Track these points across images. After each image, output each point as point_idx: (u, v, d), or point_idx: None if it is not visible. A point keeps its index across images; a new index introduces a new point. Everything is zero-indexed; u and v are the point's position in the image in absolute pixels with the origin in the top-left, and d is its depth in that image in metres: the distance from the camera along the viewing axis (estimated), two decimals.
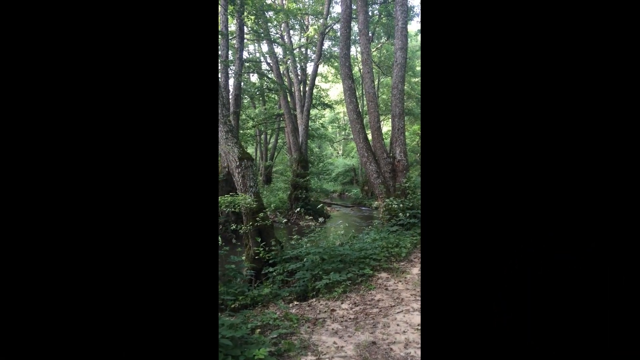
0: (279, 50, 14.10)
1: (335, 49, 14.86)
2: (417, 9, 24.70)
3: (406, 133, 21.77)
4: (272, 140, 19.81)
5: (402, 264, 4.52)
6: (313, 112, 17.50)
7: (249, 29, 12.38)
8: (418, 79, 20.93)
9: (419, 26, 18.96)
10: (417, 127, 22.05)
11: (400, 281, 3.90)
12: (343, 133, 25.21)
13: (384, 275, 4.12)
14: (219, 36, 7.91)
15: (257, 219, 5.15)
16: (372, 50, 16.12)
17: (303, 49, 14.57)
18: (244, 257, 5.30)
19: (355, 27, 12.30)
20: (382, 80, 18.14)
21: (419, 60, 20.52)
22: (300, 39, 15.68)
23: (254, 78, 16.65)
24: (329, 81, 20.35)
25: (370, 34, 14.83)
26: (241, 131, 14.87)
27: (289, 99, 13.45)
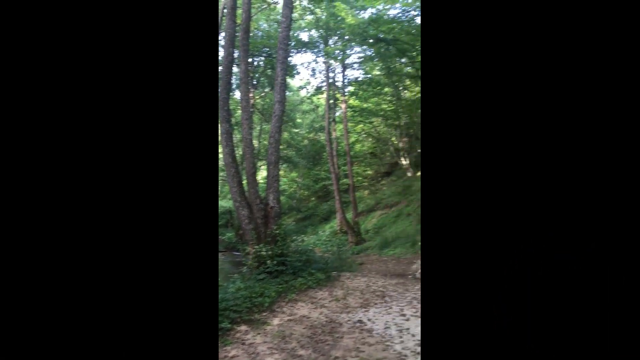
0: None
1: None
2: (300, 68, 26.66)
3: (285, 180, 22.45)
4: None
5: (264, 314, 4.43)
6: None
7: None
8: (298, 130, 22.28)
9: (300, 82, 20.56)
10: (295, 175, 23.04)
11: (259, 333, 3.79)
12: (221, 174, 24.54)
13: (243, 328, 3.95)
14: None
15: None
16: (257, 97, 16.65)
17: None
18: None
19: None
20: (264, 127, 18.67)
21: (300, 113, 22.03)
22: None
23: None
24: None
25: (254, 82, 15.35)
26: None
27: None
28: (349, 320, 4.06)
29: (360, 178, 20.61)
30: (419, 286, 5.68)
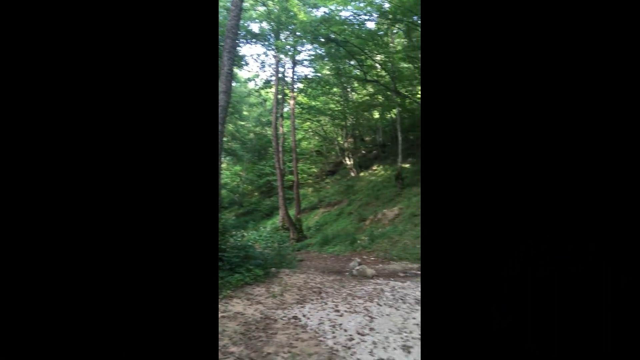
0: None
1: None
2: (249, 59, 26.04)
3: (227, 173, 21.81)
4: None
5: None
6: None
7: None
8: (244, 123, 21.77)
9: (249, 74, 20.05)
10: (239, 168, 22.50)
11: None
12: None
13: None
14: None
15: None
16: None
17: None
18: None
19: None
20: None
21: (247, 106, 21.53)
22: None
23: None
24: None
25: None
26: None
27: None
28: (284, 317, 4.06)
29: (305, 175, 20.73)
30: (354, 283, 5.86)
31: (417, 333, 3.28)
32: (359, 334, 3.37)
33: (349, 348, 3.05)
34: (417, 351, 2.88)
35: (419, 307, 4.10)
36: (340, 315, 3.97)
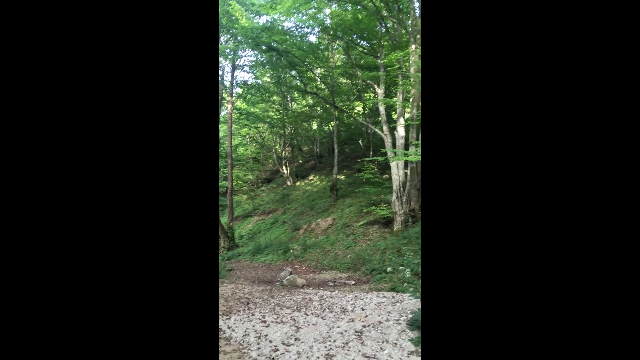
0: None
1: None
2: None
3: None
4: None
5: None
6: None
7: None
8: None
9: None
10: None
11: None
12: None
13: None
14: None
15: None
16: None
17: None
18: None
19: None
20: None
21: None
22: None
23: None
24: None
25: None
26: None
27: None
28: None
29: (240, 182, 20.25)
30: (284, 292, 5.83)
31: (340, 341, 3.36)
32: (284, 344, 3.36)
33: (273, 359, 3.03)
34: (339, 359, 2.95)
35: (345, 316, 4.21)
36: (267, 326, 3.92)
